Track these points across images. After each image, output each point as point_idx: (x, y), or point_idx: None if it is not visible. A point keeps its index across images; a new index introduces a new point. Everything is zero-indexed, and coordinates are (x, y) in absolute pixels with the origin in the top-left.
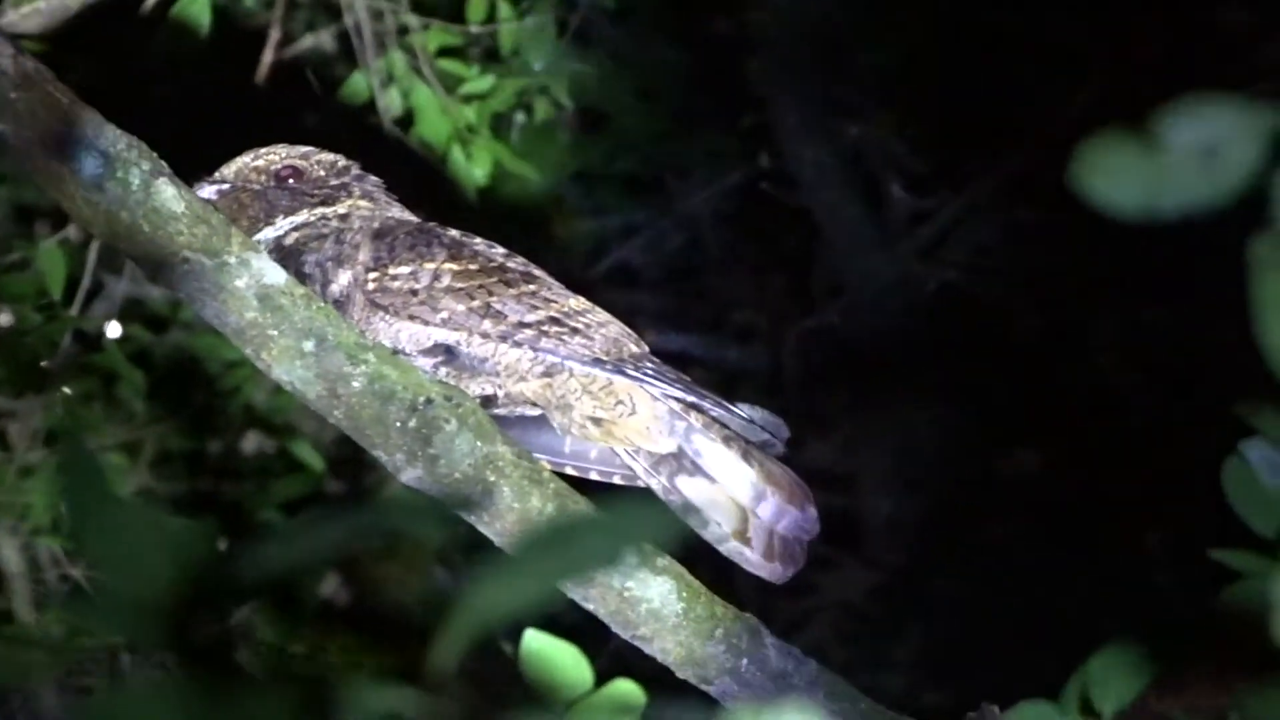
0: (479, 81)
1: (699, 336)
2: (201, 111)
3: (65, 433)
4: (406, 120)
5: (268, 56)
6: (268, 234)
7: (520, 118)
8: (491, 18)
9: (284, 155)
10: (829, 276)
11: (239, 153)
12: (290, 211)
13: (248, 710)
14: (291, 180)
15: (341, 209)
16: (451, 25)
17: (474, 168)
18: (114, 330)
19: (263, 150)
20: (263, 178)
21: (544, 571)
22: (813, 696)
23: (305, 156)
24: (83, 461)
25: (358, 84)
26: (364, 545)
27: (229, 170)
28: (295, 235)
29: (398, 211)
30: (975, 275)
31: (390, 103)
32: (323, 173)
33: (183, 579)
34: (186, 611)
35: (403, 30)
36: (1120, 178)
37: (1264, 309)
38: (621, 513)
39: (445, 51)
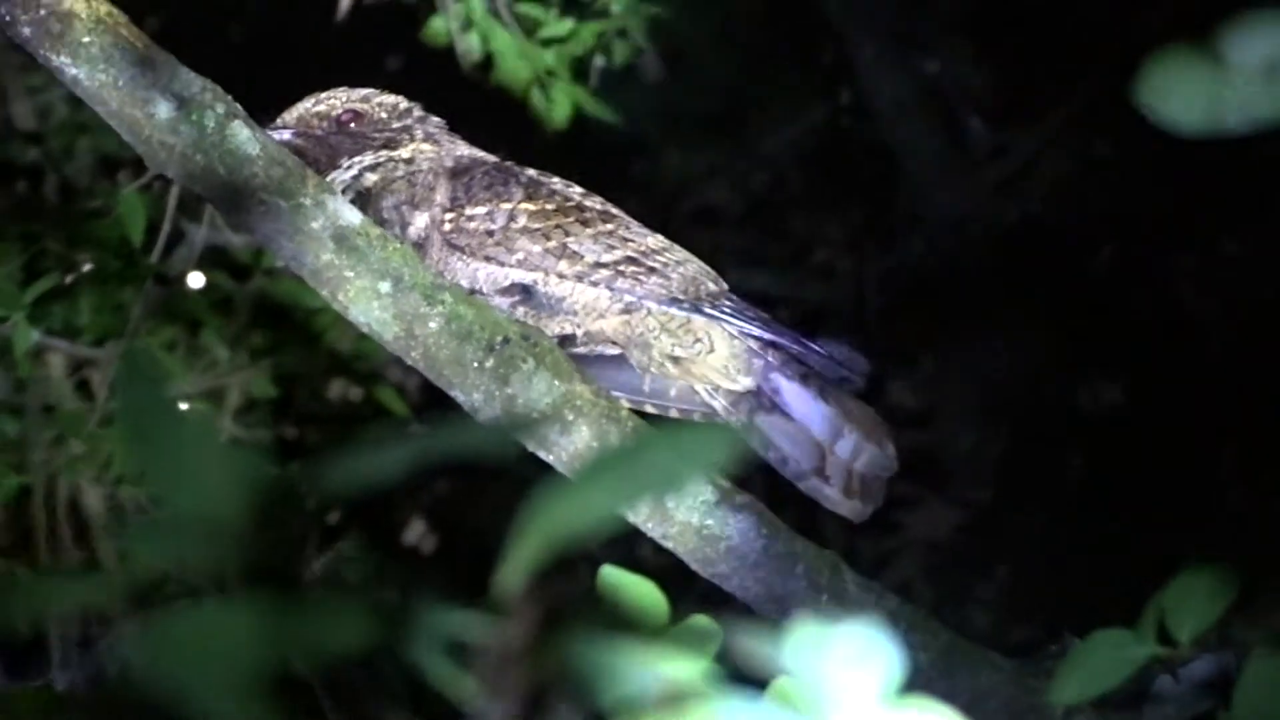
0: (558, 25)
1: (781, 274)
2: (280, 56)
3: (128, 348)
4: (486, 64)
5: (346, 1)
6: (337, 176)
7: (599, 60)
8: None
9: (344, 99)
10: (909, 211)
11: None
12: (354, 153)
13: (314, 629)
14: (353, 124)
15: (405, 152)
16: None
17: (554, 111)
18: (197, 280)
19: (323, 95)
20: (324, 123)
21: (609, 493)
22: (894, 630)
23: (366, 99)
24: (143, 371)
25: (436, 28)
26: (437, 467)
27: (290, 116)
28: (373, 177)
29: (465, 149)
30: (1054, 207)
31: (469, 47)
32: (384, 115)
33: (249, 499)
34: (254, 534)
35: None
36: (1184, 96)
37: None
38: (687, 436)
39: None
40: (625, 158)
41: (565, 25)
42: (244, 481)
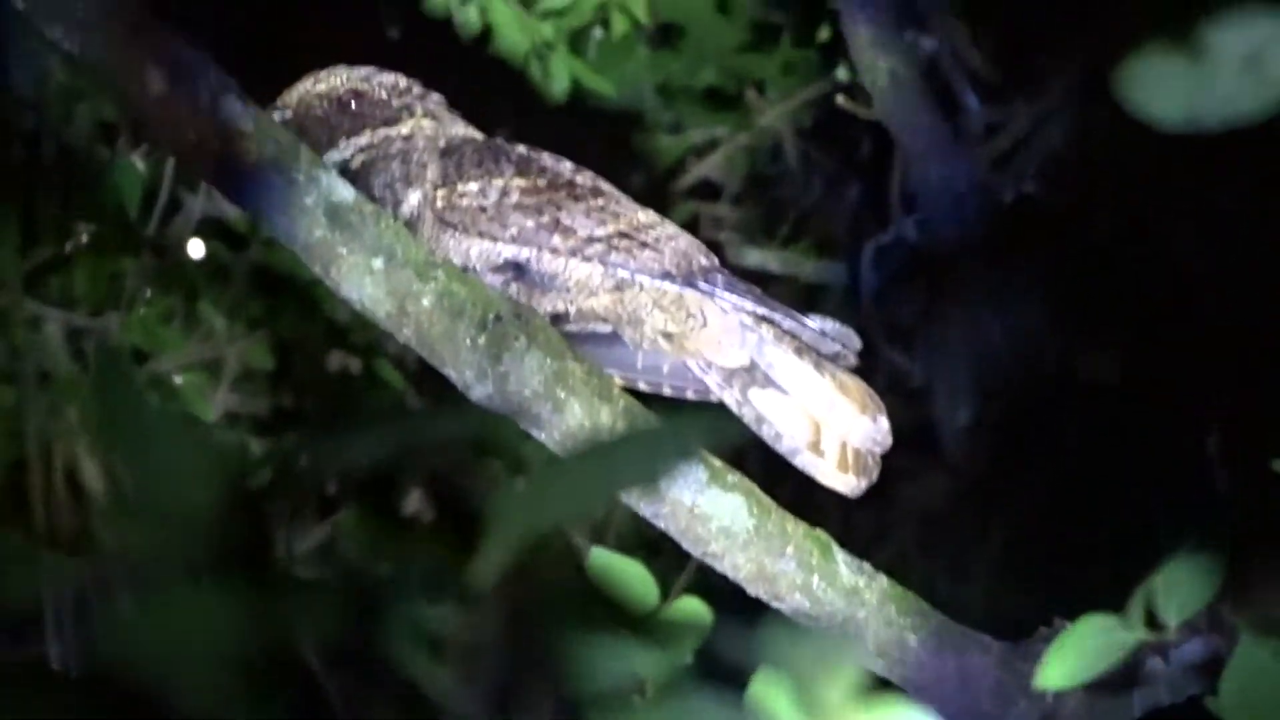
0: None
1: (778, 250)
2: (277, 29)
3: (105, 347)
4: (485, 36)
5: None
6: (332, 157)
7: (598, 33)
8: None
9: (346, 78)
10: (905, 188)
11: (315, 70)
12: (352, 133)
13: (278, 617)
14: (354, 103)
15: (405, 129)
16: None
17: (552, 83)
18: (197, 249)
19: (323, 74)
20: (325, 103)
21: (594, 480)
22: (882, 611)
23: (367, 78)
24: (116, 370)
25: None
26: (425, 449)
27: (291, 97)
28: (361, 158)
29: (462, 128)
30: (1051, 183)
31: (468, 19)
32: (384, 94)
33: (223, 487)
34: (227, 520)
35: None
36: (1163, 89)
37: None
38: (677, 423)
39: None
40: (623, 131)
41: None
42: (216, 472)
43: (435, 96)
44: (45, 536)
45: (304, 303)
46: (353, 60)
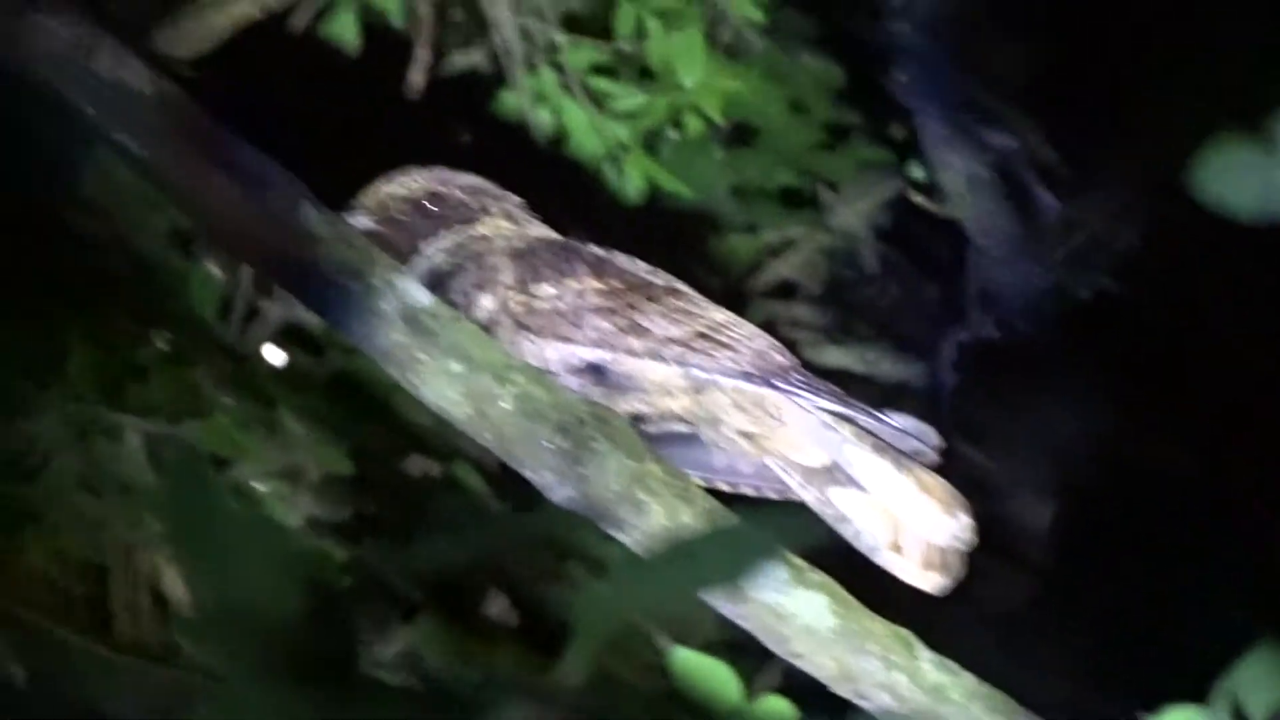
0: (630, 99)
1: (857, 350)
2: (351, 132)
3: (183, 454)
4: (557, 139)
5: (417, 75)
6: (418, 264)
7: (672, 134)
8: (640, 34)
9: (423, 179)
10: (982, 285)
11: (388, 172)
12: (433, 235)
13: None
14: (432, 205)
15: (483, 229)
16: (601, 42)
17: (626, 185)
18: (278, 357)
19: (399, 176)
20: (404, 205)
21: (677, 580)
22: (968, 709)
23: (443, 180)
24: (195, 476)
25: (507, 102)
26: (506, 552)
27: (369, 200)
28: (442, 258)
29: (538, 230)
30: (1128, 279)
31: (540, 121)
32: (461, 195)
33: (305, 593)
34: (309, 627)
35: (552, 48)
36: (1237, 181)
37: None
38: (758, 522)
39: (595, 69)
40: (698, 232)
41: (638, 99)
42: (299, 579)
43: (513, 198)
44: (128, 646)
45: (383, 407)
46: (425, 164)
